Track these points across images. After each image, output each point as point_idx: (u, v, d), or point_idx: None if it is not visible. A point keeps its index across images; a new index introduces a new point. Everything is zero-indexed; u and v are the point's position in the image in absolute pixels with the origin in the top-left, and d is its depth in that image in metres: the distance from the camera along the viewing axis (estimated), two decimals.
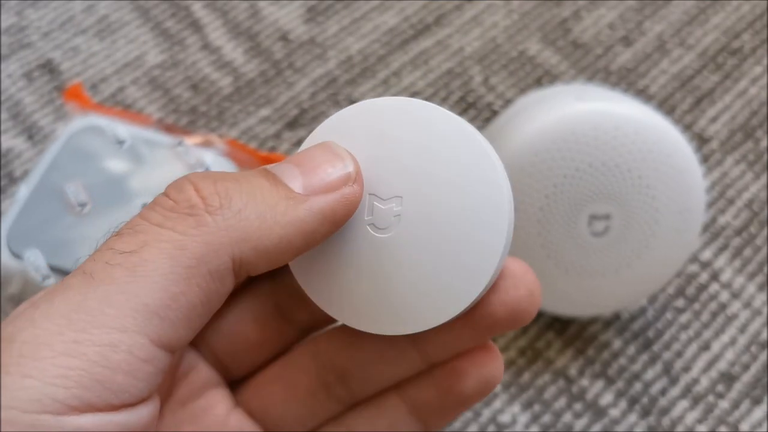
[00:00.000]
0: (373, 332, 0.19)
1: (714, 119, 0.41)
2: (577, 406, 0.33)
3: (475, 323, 0.19)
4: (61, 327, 0.14)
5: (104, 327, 0.14)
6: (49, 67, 0.42)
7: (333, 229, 0.17)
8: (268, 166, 0.18)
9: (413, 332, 0.18)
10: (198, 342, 0.21)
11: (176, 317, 0.15)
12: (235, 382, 0.22)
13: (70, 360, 0.14)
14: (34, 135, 0.40)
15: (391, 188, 0.18)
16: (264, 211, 0.16)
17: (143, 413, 0.15)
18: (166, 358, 0.16)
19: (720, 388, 0.34)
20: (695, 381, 0.34)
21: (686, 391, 0.34)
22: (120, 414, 0.15)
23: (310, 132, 0.41)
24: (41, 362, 0.14)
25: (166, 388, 0.20)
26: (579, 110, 0.30)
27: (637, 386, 0.34)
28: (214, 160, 0.33)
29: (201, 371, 0.21)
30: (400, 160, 0.18)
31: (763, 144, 0.40)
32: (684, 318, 0.36)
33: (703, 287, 0.36)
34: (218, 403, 0.20)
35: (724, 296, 0.36)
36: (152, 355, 0.15)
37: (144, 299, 0.15)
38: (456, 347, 0.20)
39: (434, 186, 0.18)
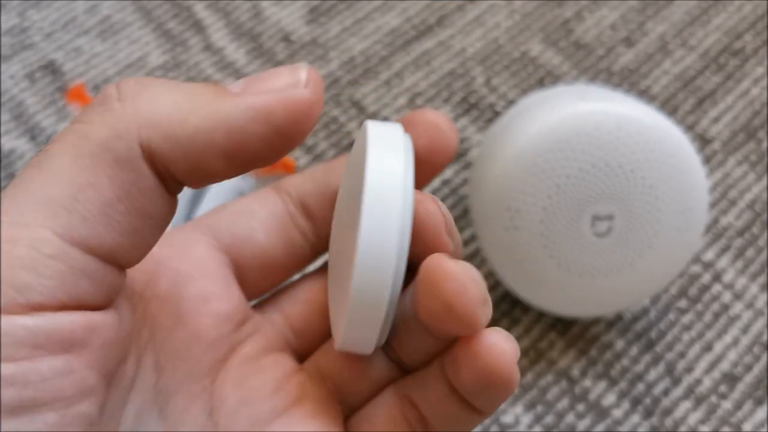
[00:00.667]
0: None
1: (716, 120, 0.41)
2: (580, 407, 0.33)
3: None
4: None
5: (6, 224, 0.14)
6: (51, 68, 0.42)
7: (271, 132, 0.16)
8: None
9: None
10: (270, 306, 0.21)
11: (87, 211, 0.14)
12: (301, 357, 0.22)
13: None
14: (36, 136, 0.40)
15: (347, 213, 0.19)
16: (181, 100, 0.15)
17: (65, 322, 0.14)
18: (86, 259, 0.15)
19: (723, 388, 0.34)
20: (698, 382, 0.34)
21: (689, 392, 0.34)
22: (31, 318, 0.14)
23: (312, 133, 0.41)
24: None
25: (231, 343, 0.20)
26: (582, 110, 0.30)
27: (640, 387, 0.34)
28: None
29: (268, 333, 0.21)
30: (351, 184, 0.19)
31: (765, 145, 0.40)
32: (686, 319, 0.36)
33: (705, 288, 0.36)
34: (286, 362, 0.20)
35: (727, 297, 0.36)
36: (61, 250, 0.14)
37: (48, 192, 0.14)
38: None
39: (352, 211, 0.18)
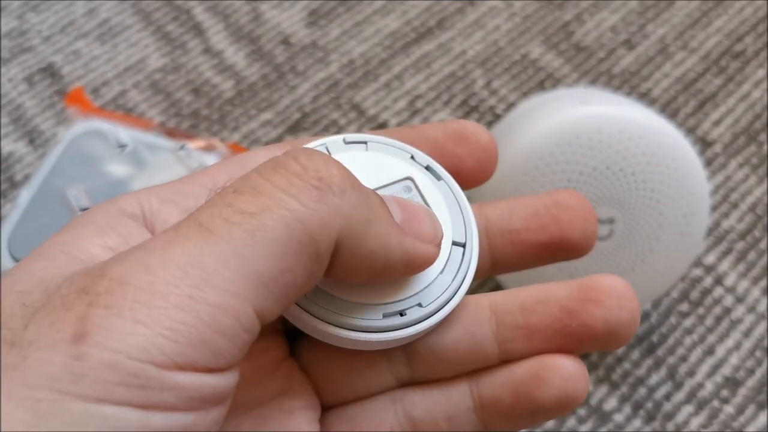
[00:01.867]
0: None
1: (717, 123, 0.41)
2: (581, 411, 0.33)
3: (571, 332, 0.18)
4: (177, 279, 0.14)
5: (218, 288, 0.14)
6: (50, 71, 0.42)
7: (401, 275, 0.18)
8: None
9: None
10: None
11: (279, 293, 0.15)
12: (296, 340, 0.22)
13: (183, 315, 0.14)
14: (35, 139, 0.40)
15: None
16: (372, 220, 0.17)
17: (230, 379, 0.15)
18: (258, 329, 0.15)
19: (725, 392, 0.34)
20: (700, 386, 0.34)
21: (691, 396, 0.34)
22: (213, 377, 0.15)
23: (312, 136, 0.41)
24: (155, 311, 0.14)
25: None
26: (583, 114, 0.30)
27: (642, 391, 0.34)
28: None
29: None
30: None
31: (766, 147, 0.40)
32: (688, 322, 0.35)
33: (707, 291, 0.36)
34: (276, 348, 0.20)
35: (729, 300, 0.36)
36: (252, 325, 0.15)
37: (258, 267, 0.15)
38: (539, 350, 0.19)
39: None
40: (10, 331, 0.14)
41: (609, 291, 0.18)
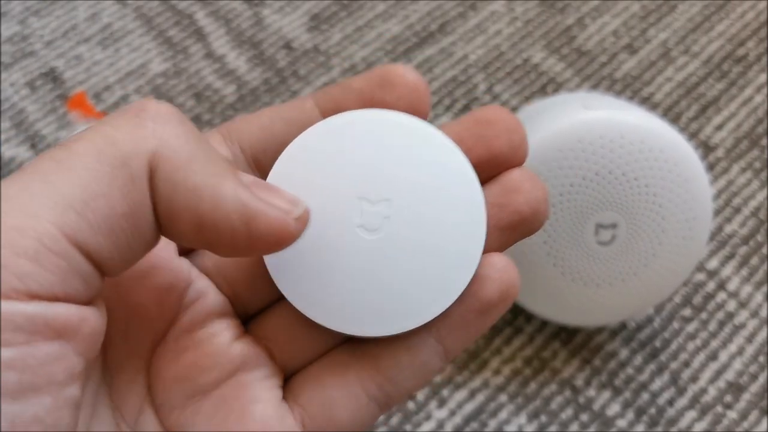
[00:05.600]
0: (357, 335, 0.19)
1: (719, 127, 0.41)
2: (584, 417, 0.33)
3: (506, 223, 0.20)
4: None
5: (16, 211, 0.14)
6: (52, 76, 0.42)
7: (243, 232, 0.16)
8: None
9: (398, 332, 0.19)
10: (211, 269, 0.21)
11: (95, 219, 0.15)
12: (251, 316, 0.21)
13: None
14: (37, 144, 0.40)
15: (380, 191, 0.19)
16: (198, 156, 0.16)
17: (54, 311, 0.15)
18: (82, 262, 0.15)
19: (728, 398, 0.34)
20: (703, 391, 0.34)
21: (694, 402, 0.34)
22: (27, 305, 0.14)
23: None
24: None
25: (171, 315, 0.20)
26: (585, 118, 0.30)
27: (645, 396, 0.34)
28: None
29: (209, 298, 0.20)
30: (386, 165, 0.19)
31: None
32: (691, 327, 0.35)
33: (710, 296, 0.36)
34: (223, 332, 0.20)
35: (732, 305, 0.36)
36: (64, 249, 0.15)
37: (62, 190, 0.15)
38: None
39: (419, 189, 0.19)
40: None
41: (521, 178, 0.20)
